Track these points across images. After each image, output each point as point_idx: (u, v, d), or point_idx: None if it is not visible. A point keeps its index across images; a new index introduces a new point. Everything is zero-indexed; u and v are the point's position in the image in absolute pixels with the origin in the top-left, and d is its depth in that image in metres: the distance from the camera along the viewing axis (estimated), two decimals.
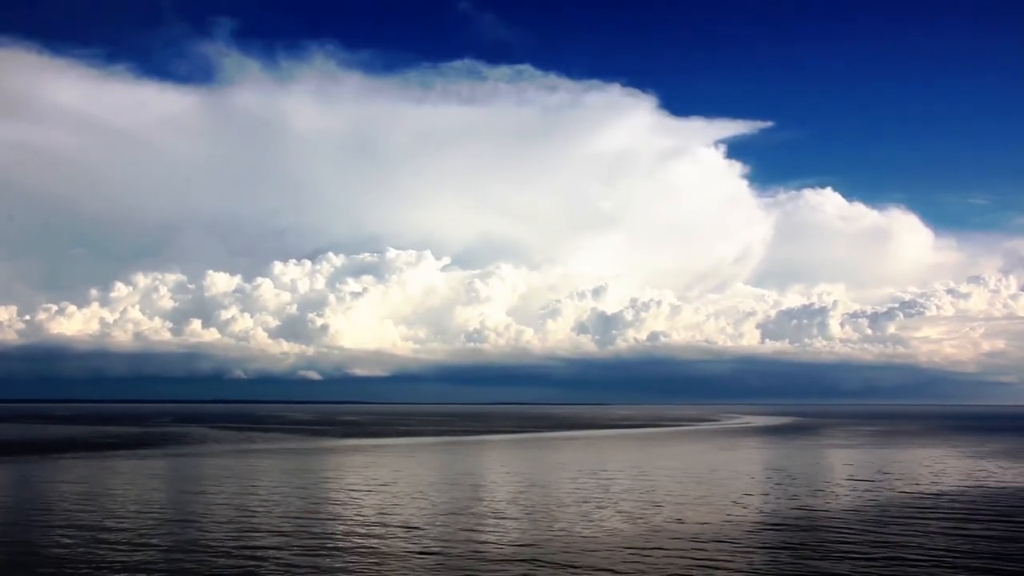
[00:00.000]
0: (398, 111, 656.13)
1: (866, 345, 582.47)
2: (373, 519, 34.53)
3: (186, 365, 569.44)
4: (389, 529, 32.06)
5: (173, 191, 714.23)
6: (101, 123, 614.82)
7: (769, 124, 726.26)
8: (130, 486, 46.88)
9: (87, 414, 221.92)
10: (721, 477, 52.12)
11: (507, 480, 50.62)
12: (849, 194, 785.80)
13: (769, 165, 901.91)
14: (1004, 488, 46.64)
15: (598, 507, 38.18)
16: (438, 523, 33.55)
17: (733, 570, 25.23)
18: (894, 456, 72.82)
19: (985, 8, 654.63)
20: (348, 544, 29.02)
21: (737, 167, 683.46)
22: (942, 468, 59.84)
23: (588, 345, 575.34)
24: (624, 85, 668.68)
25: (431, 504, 39.10)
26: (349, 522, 33.74)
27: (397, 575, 24.74)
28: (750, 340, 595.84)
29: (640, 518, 34.88)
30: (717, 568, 25.45)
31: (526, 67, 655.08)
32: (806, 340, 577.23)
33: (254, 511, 36.66)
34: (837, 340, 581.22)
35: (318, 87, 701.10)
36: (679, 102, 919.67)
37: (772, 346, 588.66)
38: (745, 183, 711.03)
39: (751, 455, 75.04)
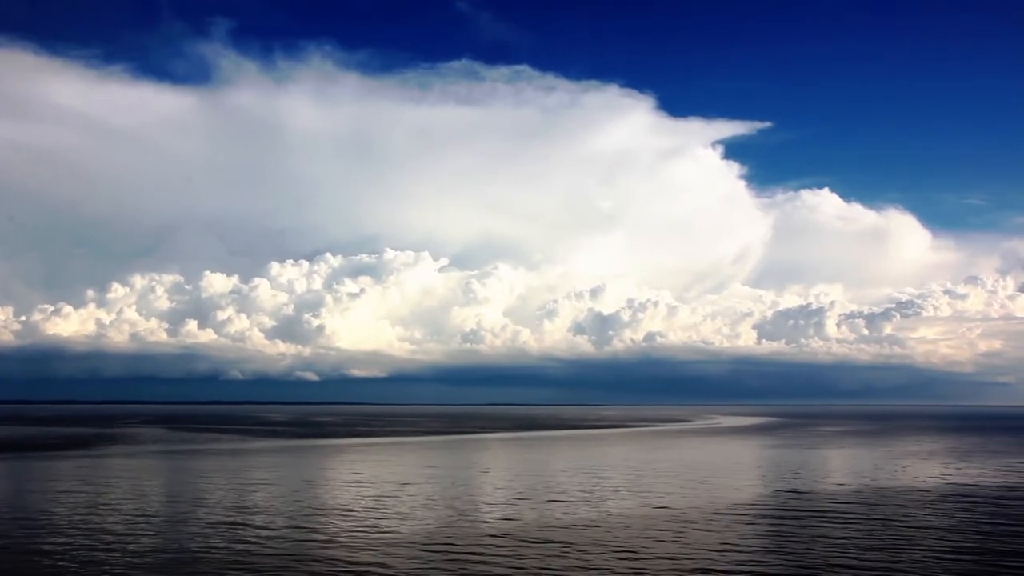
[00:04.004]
0: (396, 111, 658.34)
1: (863, 345, 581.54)
2: (217, 517, 34.72)
3: (183, 366, 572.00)
4: (213, 526, 32.28)
5: (171, 191, 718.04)
6: (98, 123, 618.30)
7: (767, 125, 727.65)
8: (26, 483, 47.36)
9: (66, 415, 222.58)
10: (600, 476, 52.08)
11: (387, 480, 50.64)
12: (847, 194, 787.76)
13: (767, 166, 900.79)
14: (873, 488, 46.59)
15: (437, 507, 38.38)
16: (273, 520, 33.76)
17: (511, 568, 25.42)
18: (817, 456, 72.79)
19: (984, 8, 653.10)
20: (162, 543, 29.26)
21: (735, 167, 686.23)
22: (850, 467, 59.80)
23: (585, 346, 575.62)
24: (622, 86, 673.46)
25: (297, 502, 39.36)
26: (178, 520, 34.00)
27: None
28: (746, 340, 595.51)
29: (471, 516, 35.08)
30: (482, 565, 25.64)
31: (524, 67, 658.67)
32: (803, 340, 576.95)
33: (101, 512, 37.01)
34: (834, 340, 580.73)
35: (316, 87, 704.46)
36: (677, 103, 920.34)
37: (769, 346, 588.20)
38: (743, 183, 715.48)
39: (669, 454, 74.99)
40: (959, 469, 58.59)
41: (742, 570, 25.06)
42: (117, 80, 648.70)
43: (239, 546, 28.47)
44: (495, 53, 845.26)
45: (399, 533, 31.11)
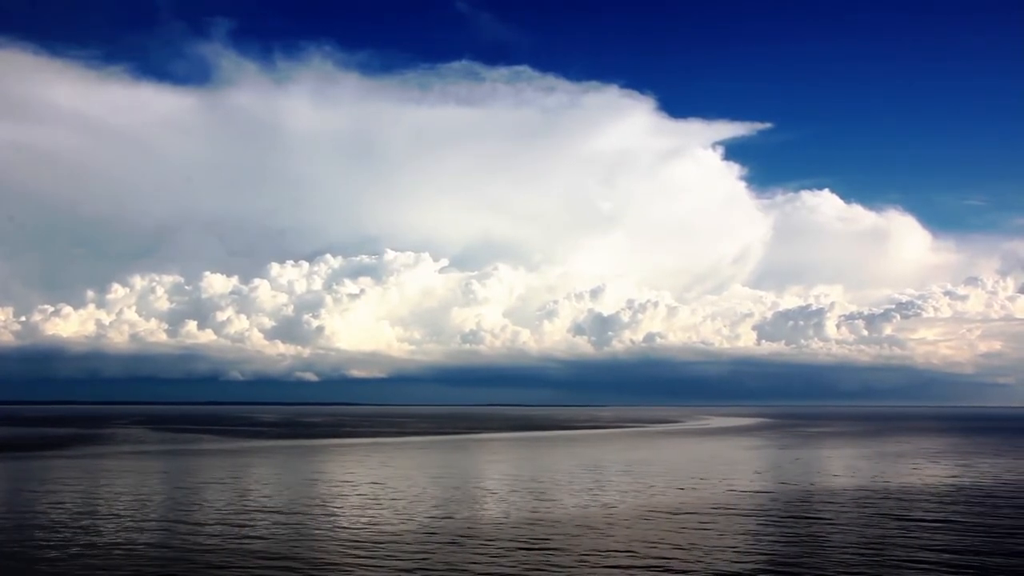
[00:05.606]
0: (396, 112, 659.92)
1: (863, 346, 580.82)
2: (156, 514, 35.10)
3: (182, 367, 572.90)
4: (142, 524, 32.67)
5: (171, 192, 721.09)
6: (98, 124, 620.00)
7: (767, 126, 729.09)
8: None
9: (60, 416, 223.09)
10: (559, 476, 52.35)
11: (342, 480, 50.97)
12: (847, 195, 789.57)
13: (767, 166, 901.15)
14: (821, 488, 46.76)
15: (371, 506, 38.73)
16: (207, 517, 34.12)
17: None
18: (788, 457, 72.96)
19: (984, 9, 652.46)
20: (86, 538, 29.61)
21: (735, 168, 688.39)
22: (813, 468, 59.96)
23: (584, 346, 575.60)
24: (622, 86, 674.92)
25: (242, 500, 39.71)
26: (111, 516, 34.39)
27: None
28: (746, 341, 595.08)
29: (404, 515, 35.42)
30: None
31: (524, 68, 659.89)
32: (802, 341, 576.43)
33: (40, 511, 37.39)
34: (834, 341, 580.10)
35: (315, 88, 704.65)
36: (677, 104, 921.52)
37: (768, 347, 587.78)
38: (743, 184, 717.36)
39: (642, 455, 75.19)
40: (917, 468, 58.80)
41: (649, 564, 25.33)
42: (117, 80, 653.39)
43: (163, 542, 28.82)
44: (495, 53, 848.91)
45: (326, 531, 31.40)
